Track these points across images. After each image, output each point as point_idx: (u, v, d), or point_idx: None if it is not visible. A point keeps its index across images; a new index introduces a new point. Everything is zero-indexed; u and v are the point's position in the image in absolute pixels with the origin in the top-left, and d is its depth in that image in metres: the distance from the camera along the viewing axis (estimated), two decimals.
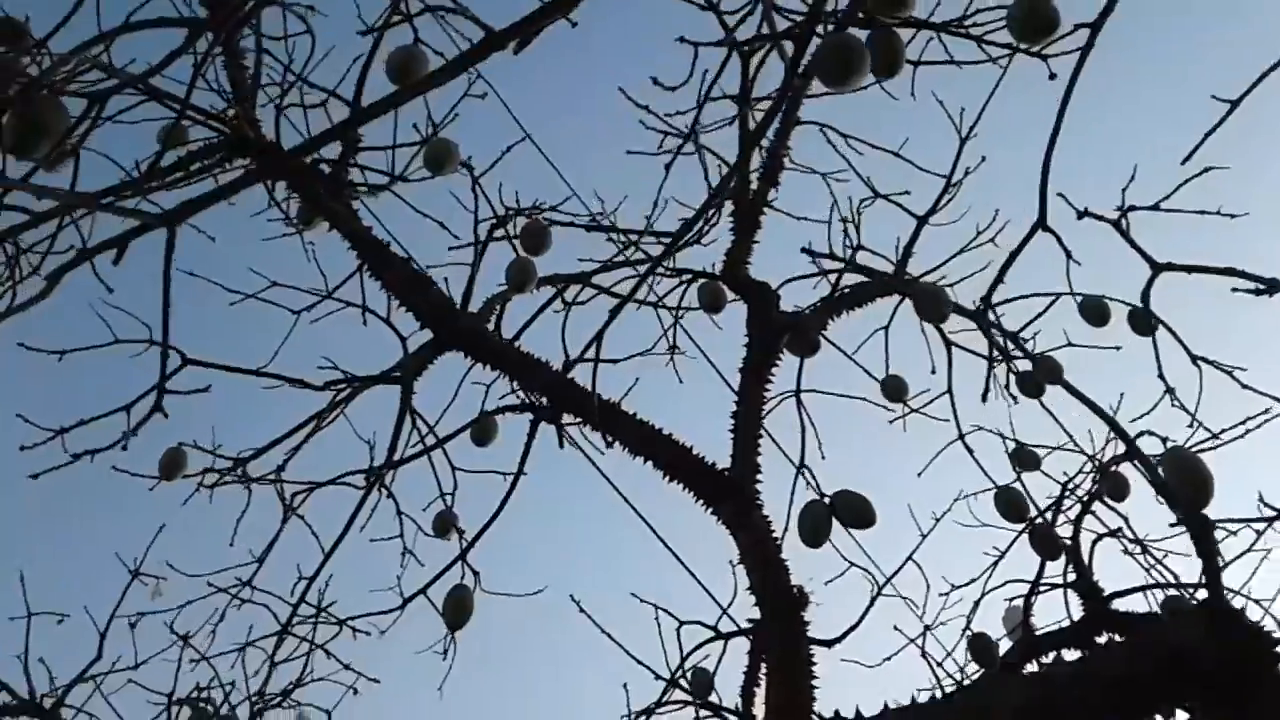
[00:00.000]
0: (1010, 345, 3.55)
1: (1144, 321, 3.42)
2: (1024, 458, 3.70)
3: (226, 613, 3.26)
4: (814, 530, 2.95)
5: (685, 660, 3.27)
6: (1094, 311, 3.51)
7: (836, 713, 1.33)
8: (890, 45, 2.18)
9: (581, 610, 3.46)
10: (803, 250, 2.34)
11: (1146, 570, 3.11)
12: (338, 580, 3.19)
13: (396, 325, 3.30)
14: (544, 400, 3.18)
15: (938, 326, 3.62)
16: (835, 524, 2.95)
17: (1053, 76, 2.06)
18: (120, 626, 3.78)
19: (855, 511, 2.96)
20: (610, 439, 3.14)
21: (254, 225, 3.31)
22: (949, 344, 3.64)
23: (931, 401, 3.71)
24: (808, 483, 3.31)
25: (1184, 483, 2.33)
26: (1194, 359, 1.85)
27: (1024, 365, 3.68)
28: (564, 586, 3.18)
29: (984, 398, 3.18)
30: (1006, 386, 3.46)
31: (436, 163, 2.74)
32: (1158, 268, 1.83)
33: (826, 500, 3.01)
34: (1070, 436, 3.67)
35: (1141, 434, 2.63)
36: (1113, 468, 3.00)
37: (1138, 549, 3.16)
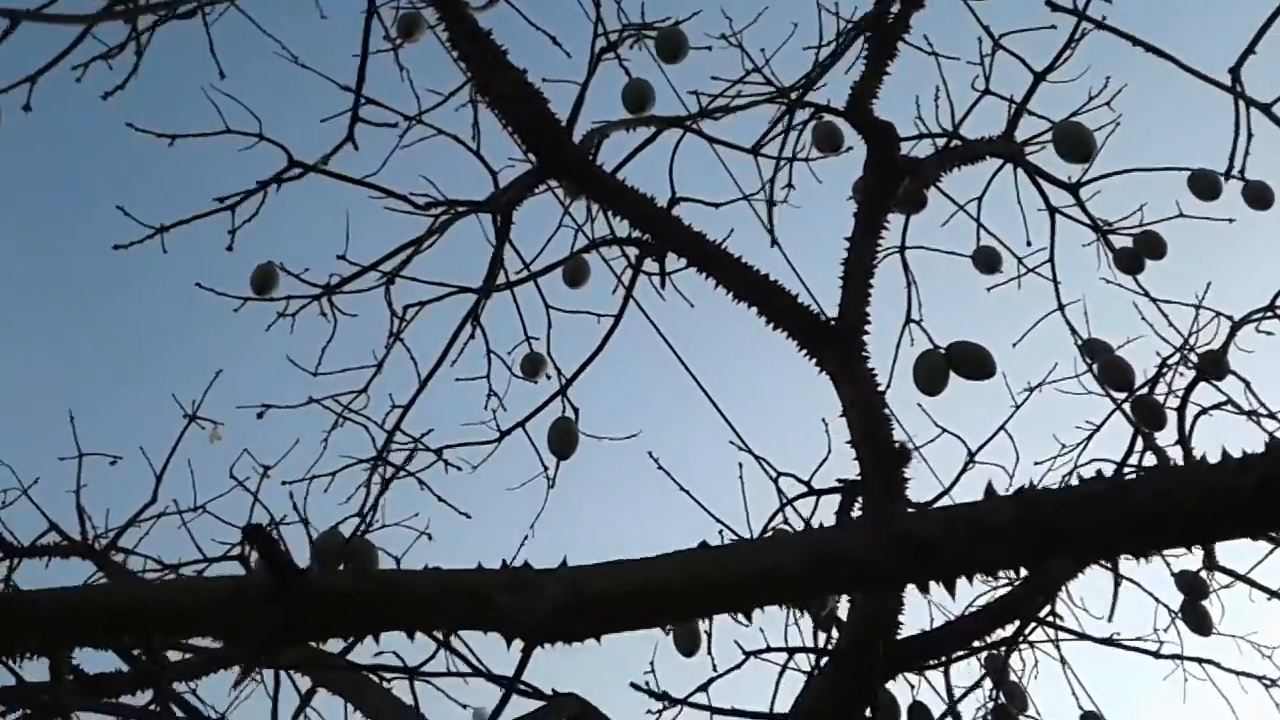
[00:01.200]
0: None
1: (1262, 195, 3.32)
2: (1095, 349, 3.62)
3: (300, 450, 3.16)
4: (930, 378, 2.87)
5: (779, 513, 3.20)
6: (1203, 184, 3.41)
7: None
8: None
9: (659, 467, 3.39)
10: (1047, 2, 2.16)
11: (1271, 435, 3.02)
12: (425, 422, 3.09)
13: (487, 157, 3.18)
14: (648, 238, 3.05)
15: (1043, 195, 3.51)
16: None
17: None
18: (179, 468, 3.69)
19: (974, 362, 2.87)
20: (714, 279, 3.03)
21: (346, 42, 3.15)
22: (1054, 211, 3.53)
23: (1029, 272, 3.62)
24: (913, 339, 3.24)
25: None
26: None
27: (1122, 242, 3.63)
28: (662, 432, 3.09)
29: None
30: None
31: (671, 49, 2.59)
32: None
33: (942, 351, 2.93)
34: (1166, 316, 3.59)
35: None
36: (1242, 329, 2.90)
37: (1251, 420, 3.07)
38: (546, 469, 2.99)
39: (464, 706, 2.66)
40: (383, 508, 3.22)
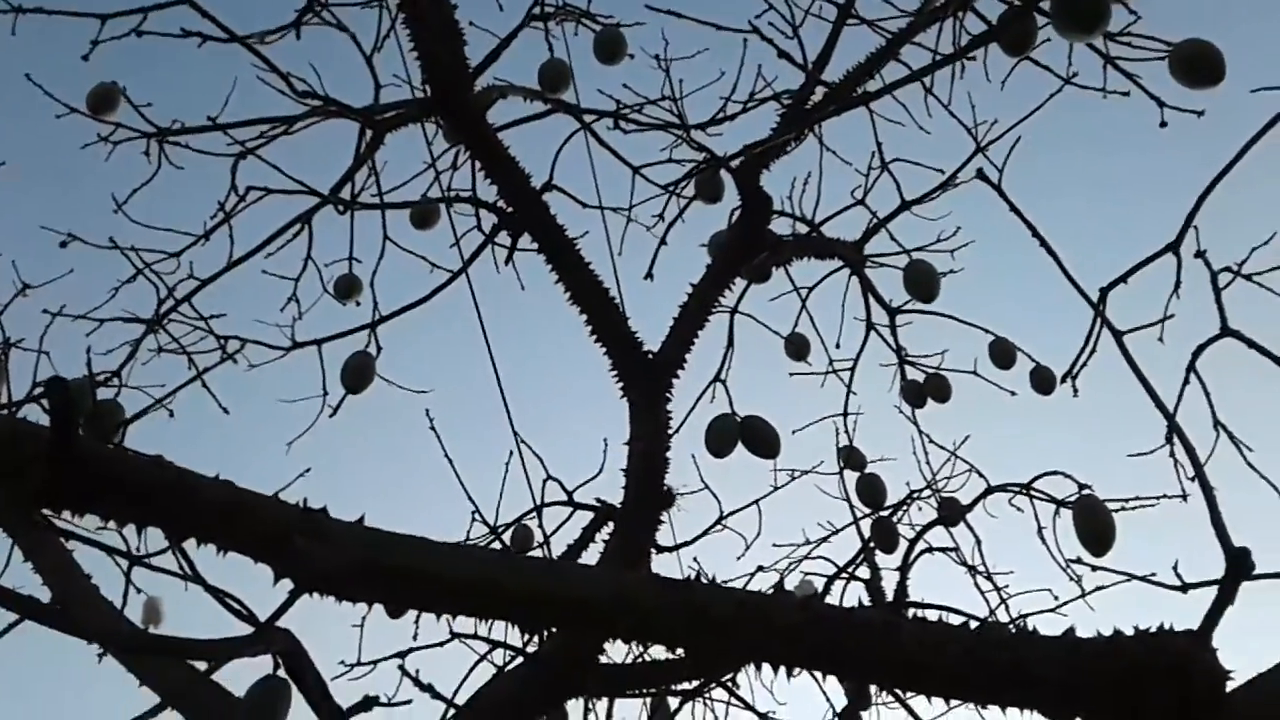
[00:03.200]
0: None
1: (1047, 381, 3.65)
2: (853, 458, 3.88)
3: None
4: (721, 441, 2.98)
5: (531, 514, 3.23)
6: (1001, 353, 3.72)
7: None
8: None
9: (432, 427, 3.35)
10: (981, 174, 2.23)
11: (983, 594, 3.32)
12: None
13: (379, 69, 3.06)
14: (511, 210, 3.02)
15: (867, 308, 3.73)
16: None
17: (1200, 113, 2.15)
18: None
19: (763, 440, 3.00)
20: (558, 275, 3.03)
21: None
22: (870, 327, 3.76)
23: (831, 373, 3.83)
24: (714, 397, 3.36)
25: (1086, 531, 2.49)
26: (1216, 424, 1.97)
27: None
28: (458, 400, 3.05)
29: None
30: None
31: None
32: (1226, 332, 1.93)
33: (739, 419, 3.05)
34: (927, 454, 3.89)
35: (1050, 473, 2.80)
36: (988, 495, 3.19)
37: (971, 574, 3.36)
38: (328, 394, 2.89)
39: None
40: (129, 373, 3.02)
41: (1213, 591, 1.41)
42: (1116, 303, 1.86)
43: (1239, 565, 1.39)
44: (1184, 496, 2.62)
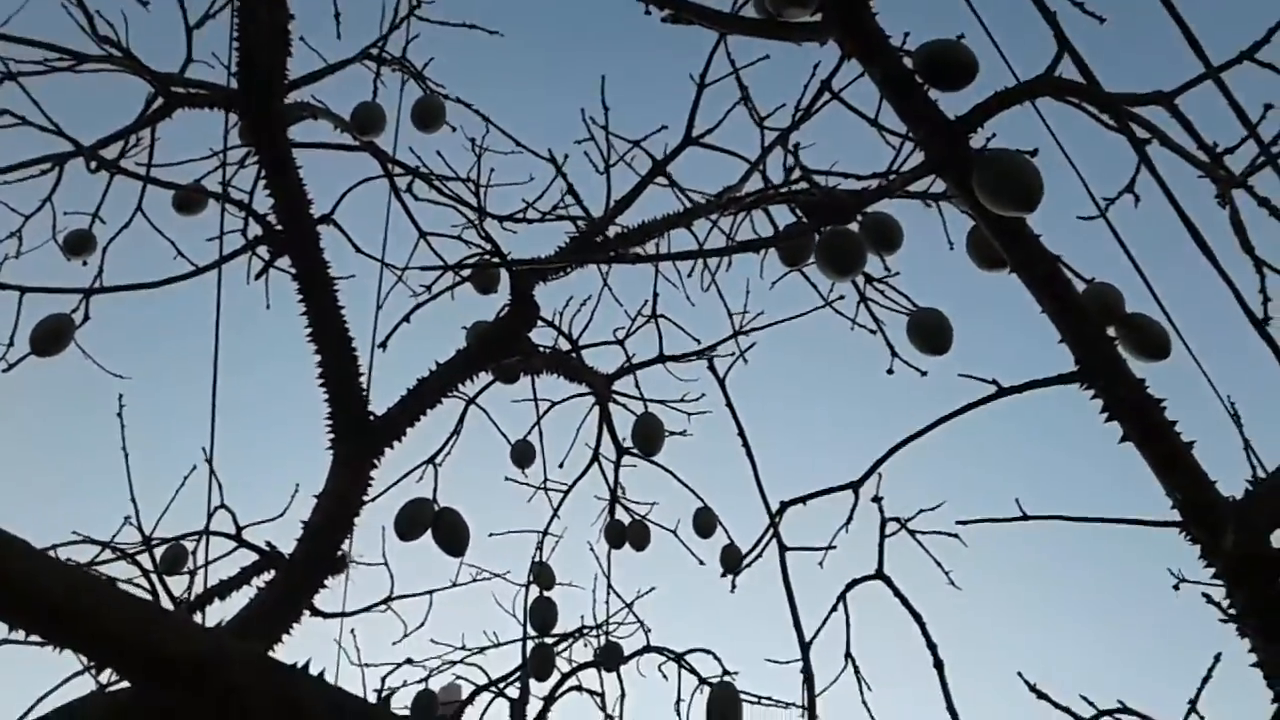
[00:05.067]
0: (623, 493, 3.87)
1: (734, 561, 3.81)
2: (543, 576, 3.92)
3: None
4: (410, 525, 2.93)
5: (194, 536, 3.03)
6: (703, 522, 3.87)
7: None
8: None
9: (119, 414, 3.14)
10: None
11: None
12: None
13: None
14: (279, 227, 2.91)
15: (599, 443, 3.81)
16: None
17: (924, 374, 2.34)
18: None
19: (453, 535, 2.96)
20: (305, 307, 2.93)
21: None
22: (596, 458, 3.83)
23: (540, 490, 3.86)
24: (422, 477, 3.30)
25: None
26: (848, 654, 2.10)
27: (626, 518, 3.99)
28: (164, 395, 2.86)
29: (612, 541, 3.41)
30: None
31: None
32: None
33: (436, 507, 3.01)
34: (609, 594, 3.96)
35: (703, 649, 2.89)
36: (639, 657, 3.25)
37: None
38: (12, 346, 2.63)
39: None
40: None
41: None
42: (795, 517, 1.97)
43: None
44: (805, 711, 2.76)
